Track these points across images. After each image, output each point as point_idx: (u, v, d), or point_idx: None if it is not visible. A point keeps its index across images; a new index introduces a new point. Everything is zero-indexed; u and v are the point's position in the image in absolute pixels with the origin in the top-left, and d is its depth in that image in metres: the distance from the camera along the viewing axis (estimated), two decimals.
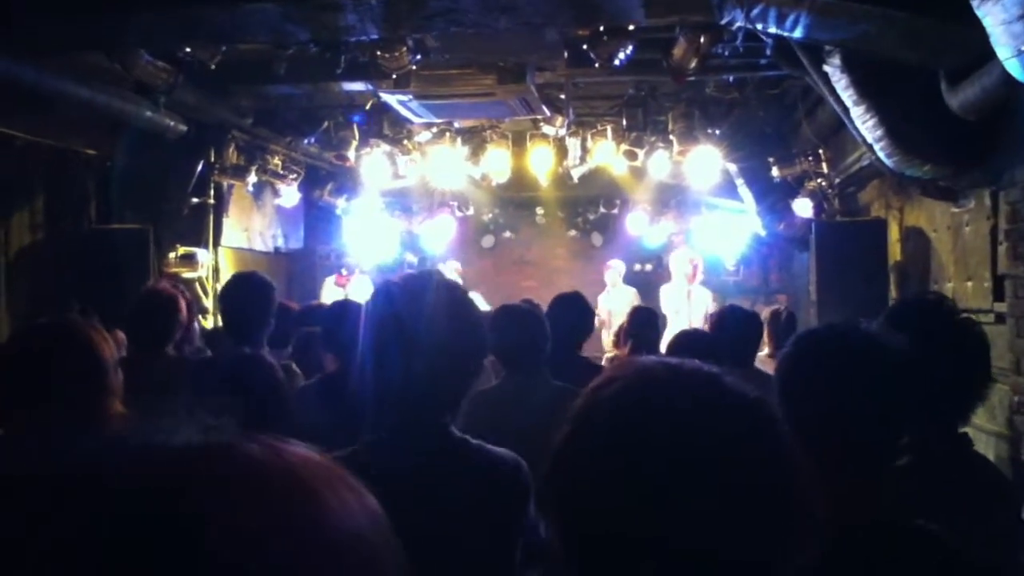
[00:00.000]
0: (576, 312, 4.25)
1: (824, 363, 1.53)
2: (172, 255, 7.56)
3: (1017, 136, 4.54)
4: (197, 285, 7.66)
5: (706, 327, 5.99)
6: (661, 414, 0.89)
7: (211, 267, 8.11)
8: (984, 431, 4.73)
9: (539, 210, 11.93)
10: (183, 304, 3.83)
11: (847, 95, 4.98)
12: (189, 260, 7.66)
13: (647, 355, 4.43)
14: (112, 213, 7.27)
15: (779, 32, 4.40)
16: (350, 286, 9.68)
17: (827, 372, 1.52)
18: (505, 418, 2.84)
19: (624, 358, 5.16)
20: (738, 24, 4.52)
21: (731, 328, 4.33)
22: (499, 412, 3.02)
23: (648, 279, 10.96)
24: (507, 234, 12.22)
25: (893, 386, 1.50)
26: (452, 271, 9.49)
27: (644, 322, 5.05)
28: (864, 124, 5.07)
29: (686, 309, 8.34)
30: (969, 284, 5.43)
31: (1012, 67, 3.17)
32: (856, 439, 1.49)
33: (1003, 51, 3.17)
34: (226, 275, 8.06)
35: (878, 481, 1.50)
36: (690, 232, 10.96)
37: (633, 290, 9.58)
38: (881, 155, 5.19)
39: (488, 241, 12.10)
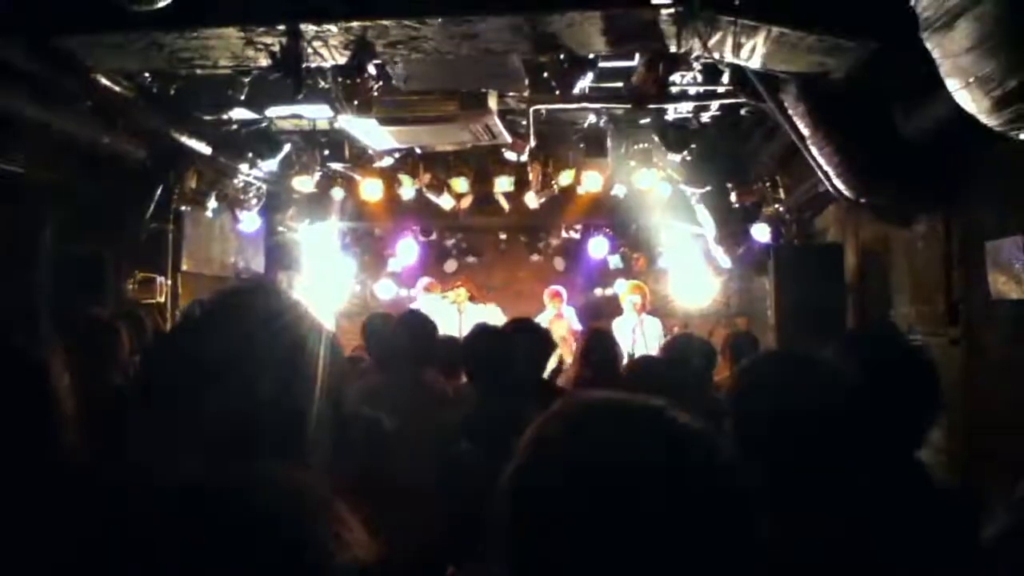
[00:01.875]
0: (535, 336, 4.27)
1: (768, 390, 1.57)
2: (131, 281, 7.46)
3: (968, 163, 4.66)
4: (156, 311, 7.56)
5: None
6: (605, 450, 0.90)
7: (170, 293, 8.02)
8: (944, 452, 4.80)
9: (502, 235, 11.96)
10: (123, 333, 3.80)
11: (803, 123, 5.07)
12: (148, 286, 7.57)
13: (602, 378, 4.48)
14: (69, 238, 7.17)
15: (736, 61, 4.49)
16: None
17: (771, 398, 1.56)
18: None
19: (573, 379, 5.20)
20: (696, 53, 4.60)
21: (683, 356, 4.38)
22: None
23: (611, 304, 11.02)
24: (470, 259, 12.23)
25: (836, 411, 1.54)
26: (457, 288, 9.34)
27: (599, 345, 5.07)
28: (820, 151, 5.17)
29: (641, 340, 8.31)
30: (924, 308, 5.53)
31: (961, 98, 3.25)
32: (802, 461, 1.52)
33: (952, 82, 3.25)
34: (185, 301, 7.98)
35: (827, 503, 1.53)
36: (652, 257, 11.05)
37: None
38: (836, 182, 5.29)
39: (451, 266, 12.09)
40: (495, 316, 8.73)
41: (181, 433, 1.28)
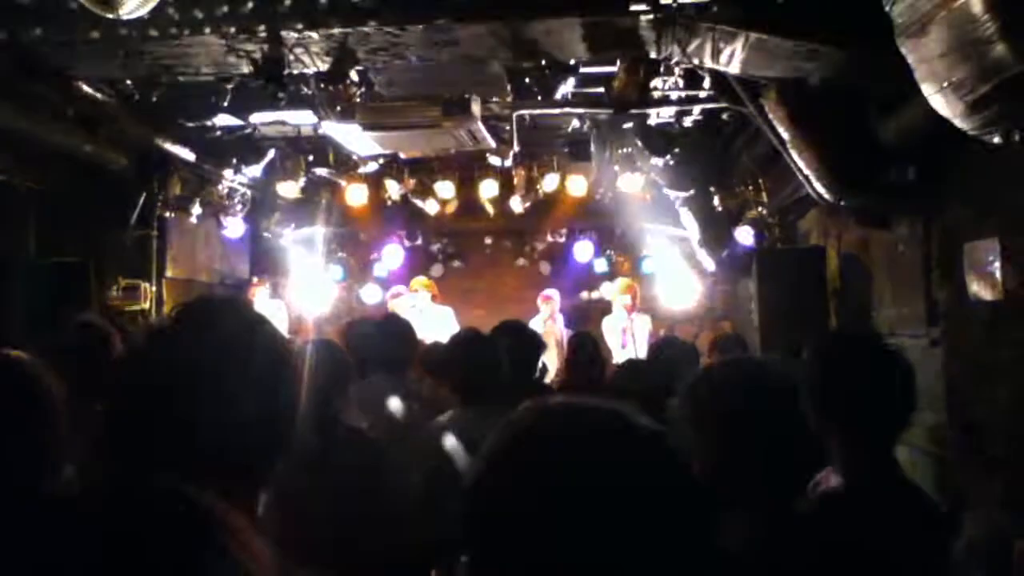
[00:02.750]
0: (521, 339, 4.30)
1: (722, 396, 1.63)
2: (115, 288, 7.45)
3: (945, 165, 4.71)
4: (140, 318, 7.55)
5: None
6: (561, 450, 0.92)
7: (154, 299, 8.01)
8: (925, 452, 4.84)
9: (487, 239, 11.99)
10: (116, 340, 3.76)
11: (783, 128, 5.11)
12: (132, 292, 7.55)
13: (588, 382, 4.50)
14: (52, 246, 7.16)
15: (715, 67, 4.52)
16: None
17: (725, 405, 1.62)
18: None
19: (559, 384, 5.22)
20: (676, 59, 4.63)
21: (668, 358, 4.41)
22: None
23: (596, 308, 11.05)
24: (456, 263, 12.25)
25: (784, 416, 1.59)
26: (422, 286, 9.26)
27: (584, 349, 5.11)
28: (800, 155, 5.20)
29: (631, 341, 8.36)
30: (905, 310, 5.58)
31: (936, 102, 3.29)
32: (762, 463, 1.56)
33: (927, 87, 3.29)
34: (170, 307, 7.97)
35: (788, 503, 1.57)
36: (638, 260, 11.10)
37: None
38: (817, 185, 5.33)
39: (437, 271, 12.10)
40: (448, 319, 8.57)
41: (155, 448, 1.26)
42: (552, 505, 0.89)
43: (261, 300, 9.22)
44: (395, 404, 3.88)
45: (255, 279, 10.03)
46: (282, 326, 8.96)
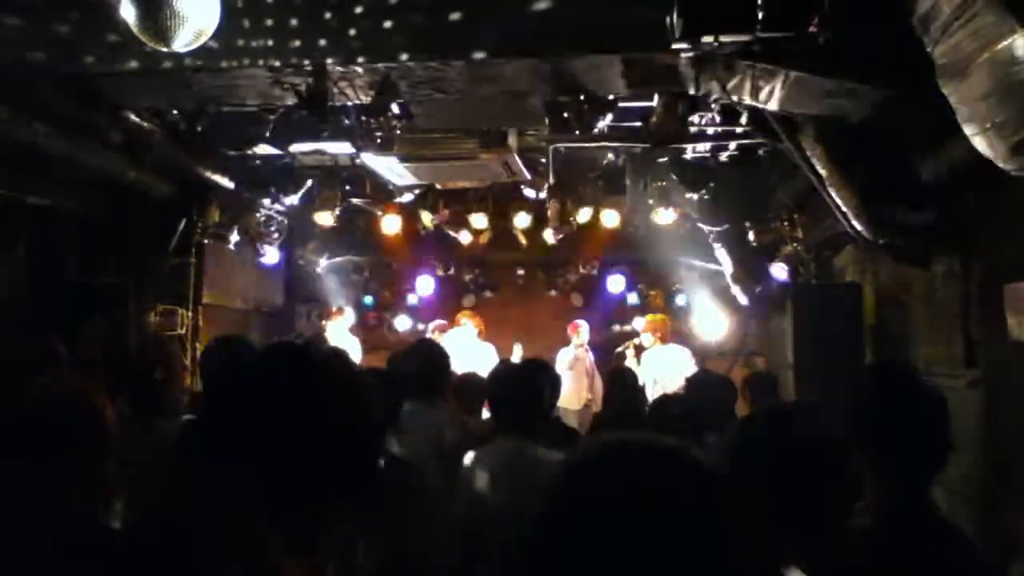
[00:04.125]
0: (540, 375, 4.33)
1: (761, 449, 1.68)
2: (153, 313, 7.55)
3: (985, 204, 4.68)
4: (178, 343, 7.64)
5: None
6: (634, 494, 0.93)
7: (191, 325, 8.10)
8: (955, 494, 4.77)
9: (520, 271, 12.02)
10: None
11: (820, 164, 5.11)
12: (170, 318, 7.65)
13: (625, 417, 4.50)
14: (93, 270, 7.27)
15: (754, 104, 4.54)
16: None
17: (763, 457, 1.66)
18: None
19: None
20: (715, 96, 4.66)
21: (705, 394, 4.40)
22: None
23: (627, 340, 11.02)
24: (488, 294, 12.29)
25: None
26: (469, 319, 9.32)
27: (622, 385, 5.11)
28: (837, 192, 5.20)
29: (662, 372, 8.27)
30: (942, 349, 5.52)
31: (979, 143, 3.28)
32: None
33: (970, 128, 3.28)
34: (207, 334, 8.06)
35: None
36: (670, 294, 11.08)
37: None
38: (854, 223, 5.31)
39: (469, 301, 12.15)
40: (491, 357, 8.54)
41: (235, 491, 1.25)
42: (628, 549, 0.90)
43: (337, 331, 9.32)
44: (432, 432, 3.91)
45: (333, 308, 10.06)
46: (356, 357, 9.04)
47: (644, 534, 0.90)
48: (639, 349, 8.67)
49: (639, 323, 9.18)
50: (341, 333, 9.34)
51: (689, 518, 0.91)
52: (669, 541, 0.90)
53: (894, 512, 2.04)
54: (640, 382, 6.85)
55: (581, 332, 9.41)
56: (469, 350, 8.44)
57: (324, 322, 9.72)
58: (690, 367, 8.32)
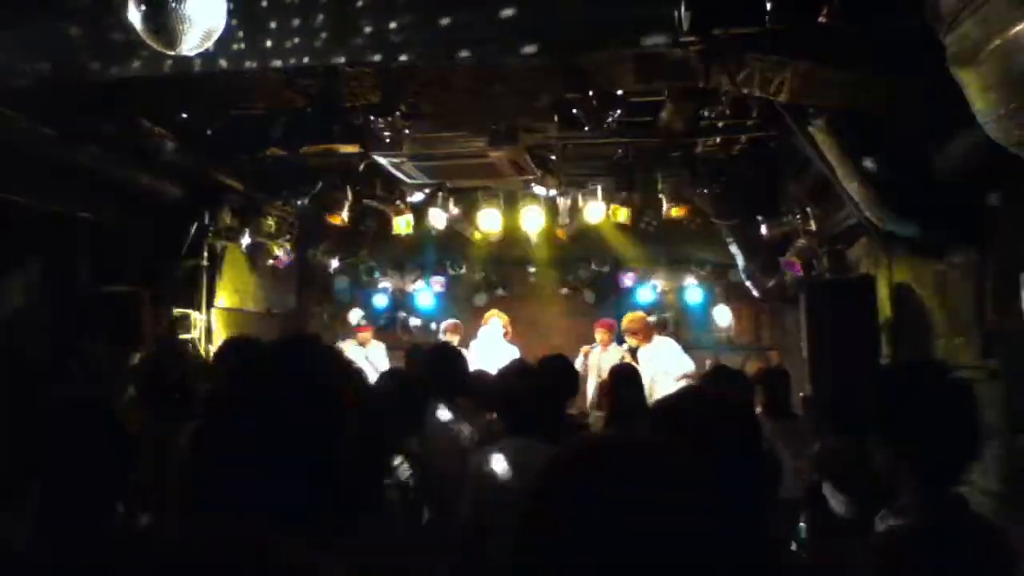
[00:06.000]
0: (562, 373, 4.32)
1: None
2: (167, 318, 7.57)
3: (1001, 194, 4.64)
4: (191, 347, 7.66)
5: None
6: (616, 487, 0.93)
7: (204, 328, 8.12)
8: (980, 491, 4.73)
9: (531, 268, 11.99)
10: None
11: (833, 156, 5.08)
12: (183, 322, 7.67)
13: (628, 414, 4.48)
14: (107, 276, 7.29)
15: (765, 96, 4.52)
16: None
17: None
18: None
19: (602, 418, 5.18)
20: (725, 88, 4.64)
21: (724, 389, 4.36)
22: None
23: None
24: (499, 292, 12.26)
25: None
26: (497, 318, 9.35)
27: (625, 381, 5.08)
28: (850, 184, 5.16)
29: (659, 368, 8.23)
30: (959, 341, 5.48)
31: (992, 131, 3.26)
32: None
33: (983, 115, 3.26)
34: (219, 337, 8.08)
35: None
36: (681, 289, 11.05)
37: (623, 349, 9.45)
38: (868, 214, 5.28)
39: (480, 299, 12.13)
40: (512, 354, 8.43)
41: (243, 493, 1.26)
42: (612, 541, 0.90)
43: (356, 349, 9.44)
44: (449, 429, 3.91)
45: (363, 323, 10.13)
46: (383, 364, 9.15)
47: (625, 531, 0.90)
48: (632, 351, 8.65)
49: (599, 333, 9.09)
50: (362, 348, 9.44)
51: (669, 514, 0.92)
52: (650, 538, 0.90)
53: (931, 511, 2.01)
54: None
55: (608, 331, 9.22)
56: (496, 349, 8.52)
57: (342, 343, 9.81)
58: (684, 359, 8.32)
